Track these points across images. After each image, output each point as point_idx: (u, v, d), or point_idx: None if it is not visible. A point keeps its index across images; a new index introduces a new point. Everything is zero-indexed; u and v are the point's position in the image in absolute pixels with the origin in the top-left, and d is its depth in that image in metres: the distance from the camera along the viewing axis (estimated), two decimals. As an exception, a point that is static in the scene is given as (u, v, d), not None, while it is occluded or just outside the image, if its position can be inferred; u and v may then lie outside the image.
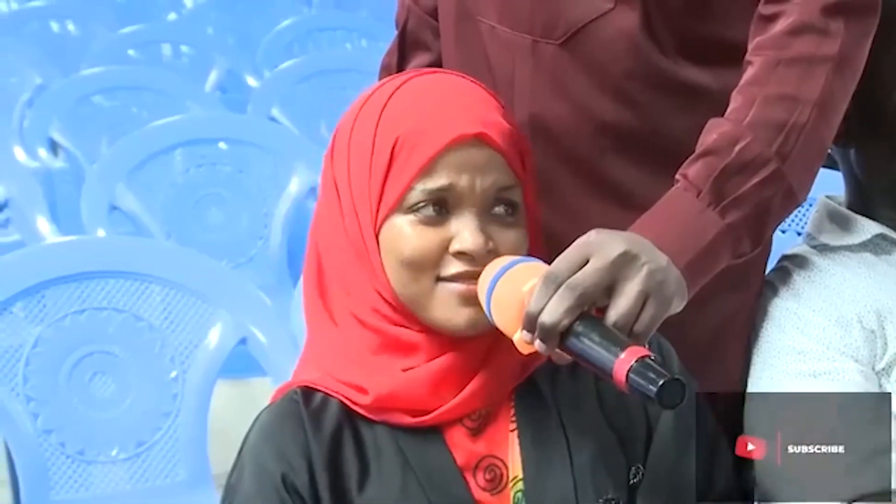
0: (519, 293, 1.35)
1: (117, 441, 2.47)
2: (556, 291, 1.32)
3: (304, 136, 4.17)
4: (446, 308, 1.40)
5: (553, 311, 1.31)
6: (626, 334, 1.32)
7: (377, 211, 1.41)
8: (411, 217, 1.40)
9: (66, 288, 2.45)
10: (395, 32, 1.88)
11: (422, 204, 1.40)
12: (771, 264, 1.75)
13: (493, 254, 1.40)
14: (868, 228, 1.69)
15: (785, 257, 1.74)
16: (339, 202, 1.46)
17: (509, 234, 1.42)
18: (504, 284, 1.36)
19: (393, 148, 1.41)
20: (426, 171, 1.39)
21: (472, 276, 1.39)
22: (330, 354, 1.46)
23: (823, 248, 1.71)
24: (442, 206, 1.40)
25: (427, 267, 1.40)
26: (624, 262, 1.35)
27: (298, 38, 5.93)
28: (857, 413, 1.57)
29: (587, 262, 1.34)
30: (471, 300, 1.39)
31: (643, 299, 1.34)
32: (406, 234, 1.40)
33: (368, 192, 1.42)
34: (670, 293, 1.37)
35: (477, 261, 1.39)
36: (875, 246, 1.69)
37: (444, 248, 1.40)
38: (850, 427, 1.56)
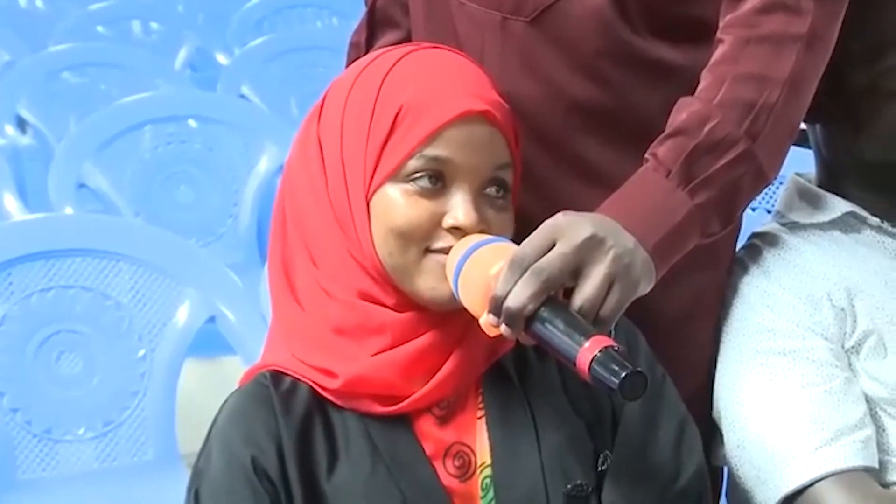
0: (486, 276, 1.34)
1: (84, 420, 2.47)
2: (521, 276, 1.31)
3: (275, 113, 4.15)
4: (432, 279, 1.39)
5: (518, 296, 1.30)
6: (591, 319, 1.31)
7: (371, 178, 1.40)
8: (407, 186, 1.39)
9: (33, 266, 2.44)
10: (365, 10, 1.87)
11: (419, 175, 1.39)
12: (741, 242, 1.74)
13: (483, 233, 1.39)
14: (838, 206, 1.69)
15: (755, 235, 1.74)
16: (322, 166, 1.44)
17: (500, 217, 1.42)
18: (472, 265, 1.35)
19: (396, 115, 1.40)
20: (428, 141, 1.39)
21: None
22: (295, 336, 1.45)
23: (793, 226, 1.71)
24: (438, 178, 1.39)
25: (417, 238, 1.39)
26: (590, 246, 1.34)
27: (268, 15, 5.92)
28: (825, 391, 1.58)
29: (554, 245, 1.34)
30: None
31: (609, 283, 1.33)
32: (399, 203, 1.39)
33: (364, 157, 1.40)
34: (636, 276, 1.36)
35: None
36: (845, 224, 1.69)
37: (436, 221, 1.39)
38: (819, 405, 1.57)
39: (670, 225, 1.42)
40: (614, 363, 1.25)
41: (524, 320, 1.31)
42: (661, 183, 1.44)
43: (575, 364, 1.27)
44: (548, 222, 1.36)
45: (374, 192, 1.40)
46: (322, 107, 1.48)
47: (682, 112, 1.47)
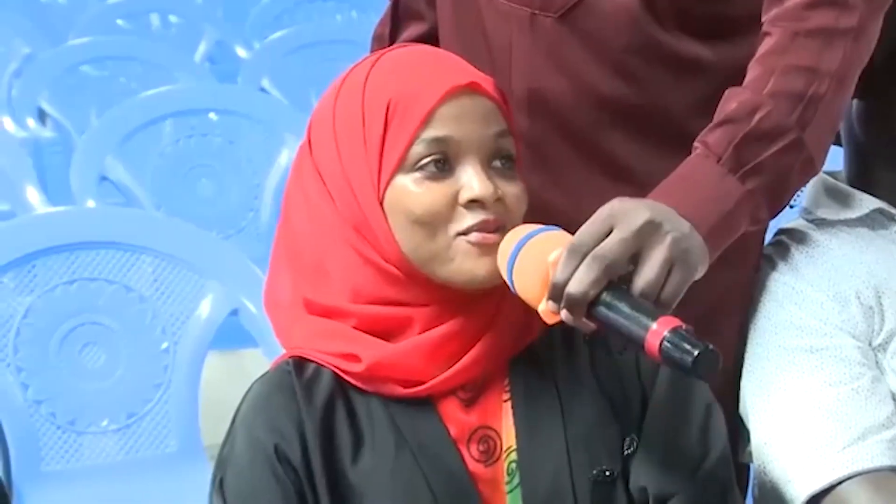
0: (543, 263, 1.34)
1: (108, 412, 2.48)
2: (581, 262, 1.31)
3: (295, 107, 4.15)
4: (467, 261, 1.39)
5: (580, 282, 1.30)
6: (651, 302, 1.31)
7: (378, 178, 1.40)
8: (416, 175, 1.40)
9: (57, 258, 2.46)
10: (388, 2, 1.87)
11: (424, 160, 1.39)
12: (767, 239, 1.74)
13: (501, 203, 1.39)
14: (866, 203, 1.68)
15: (782, 231, 1.74)
16: (325, 190, 1.44)
17: (512, 187, 1.42)
18: (527, 254, 1.35)
19: (386, 112, 1.40)
20: (424, 125, 1.39)
21: (487, 226, 1.39)
22: (319, 328, 1.46)
23: (821, 223, 1.71)
24: (444, 160, 1.40)
25: (440, 222, 1.39)
26: (649, 231, 1.34)
27: (288, 8, 5.93)
28: (853, 389, 1.58)
29: (611, 231, 1.34)
30: (489, 249, 1.39)
31: (668, 267, 1.34)
32: (413, 192, 1.39)
33: (366, 161, 1.41)
34: (694, 261, 1.37)
35: (489, 209, 1.39)
36: (872, 221, 1.69)
37: (454, 201, 1.39)
38: (846, 404, 1.57)
39: (723, 211, 1.42)
40: (686, 342, 1.25)
41: (586, 305, 1.31)
42: (712, 169, 1.44)
43: (643, 346, 1.27)
44: (604, 209, 1.36)
45: (385, 190, 1.41)
46: (310, 138, 1.48)
47: (732, 101, 1.47)
